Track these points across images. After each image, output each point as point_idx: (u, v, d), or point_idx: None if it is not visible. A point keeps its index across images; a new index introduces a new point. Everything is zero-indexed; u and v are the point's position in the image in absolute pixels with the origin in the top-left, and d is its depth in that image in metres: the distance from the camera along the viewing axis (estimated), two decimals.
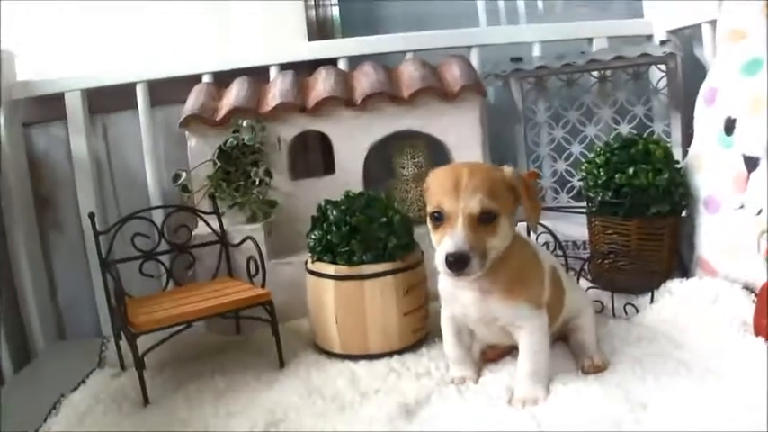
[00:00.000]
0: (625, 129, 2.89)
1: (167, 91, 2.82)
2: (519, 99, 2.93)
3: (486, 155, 2.76)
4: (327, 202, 2.23)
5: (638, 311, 2.23)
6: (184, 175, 2.51)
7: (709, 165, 2.32)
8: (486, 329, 1.89)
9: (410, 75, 2.67)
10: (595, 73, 2.92)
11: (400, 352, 2.16)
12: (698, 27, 2.85)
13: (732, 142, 2.21)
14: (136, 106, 2.74)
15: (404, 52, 2.93)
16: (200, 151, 2.58)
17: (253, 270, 2.28)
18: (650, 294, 2.28)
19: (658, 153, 2.31)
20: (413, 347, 2.19)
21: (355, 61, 2.89)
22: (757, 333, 1.92)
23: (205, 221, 2.44)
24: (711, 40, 2.74)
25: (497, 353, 2.05)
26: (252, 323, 2.33)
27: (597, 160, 2.36)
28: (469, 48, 2.96)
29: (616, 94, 2.92)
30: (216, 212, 2.47)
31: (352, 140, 2.66)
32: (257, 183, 2.52)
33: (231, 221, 2.54)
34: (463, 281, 1.72)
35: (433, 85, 2.62)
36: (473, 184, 1.66)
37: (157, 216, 2.61)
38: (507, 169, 1.73)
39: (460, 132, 2.69)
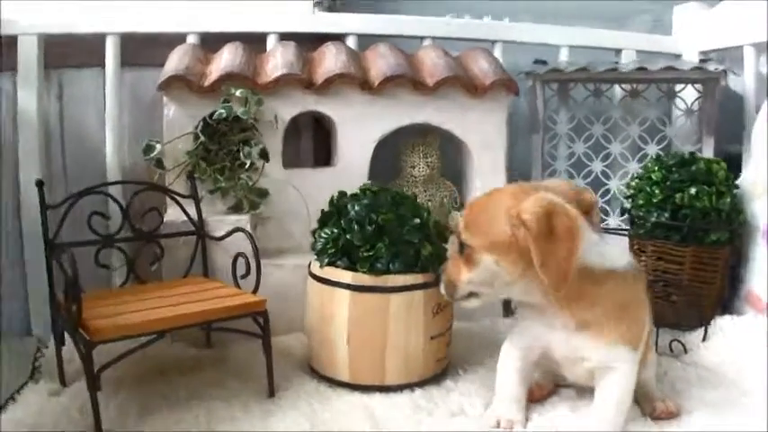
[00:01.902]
0: (653, 149, 2.61)
1: (141, 50, 2.34)
2: (541, 106, 2.61)
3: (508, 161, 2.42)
4: (344, 194, 1.82)
5: (686, 350, 1.94)
6: (159, 147, 2.04)
7: None
8: (571, 369, 1.55)
9: (433, 62, 2.30)
10: (627, 86, 2.63)
11: (420, 384, 1.76)
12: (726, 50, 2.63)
13: None
14: (102, 64, 2.29)
15: (421, 38, 2.56)
16: (180, 122, 2.11)
17: (242, 270, 1.83)
18: (703, 331, 1.99)
19: (721, 174, 2.02)
20: (435, 380, 1.80)
21: (365, 42, 2.49)
22: None
23: (181, 206, 1.98)
24: (755, 62, 2.51)
25: (544, 393, 1.71)
26: (224, 334, 1.89)
27: (653, 176, 2.05)
28: (493, 42, 2.62)
29: (648, 112, 2.63)
30: (194, 196, 2.01)
31: (362, 128, 2.26)
32: (247, 166, 2.07)
33: (209, 210, 2.09)
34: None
35: (462, 76, 2.26)
36: (469, 206, 1.52)
37: (120, 195, 2.12)
38: (535, 198, 1.37)
39: (485, 133, 2.34)
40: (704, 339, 1.97)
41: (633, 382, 1.51)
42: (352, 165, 2.26)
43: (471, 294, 1.53)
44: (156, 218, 1.97)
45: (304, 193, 2.21)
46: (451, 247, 1.55)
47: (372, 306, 1.69)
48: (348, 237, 1.70)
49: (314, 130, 2.50)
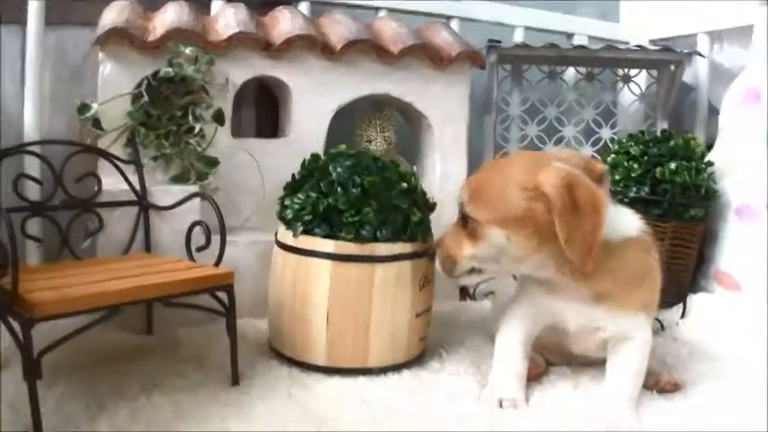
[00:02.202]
0: (606, 133, 2.57)
1: (67, 8, 2.05)
2: (495, 87, 2.51)
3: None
4: (318, 157, 1.63)
5: (663, 327, 1.87)
6: (95, 106, 1.77)
7: (747, 168, 2.04)
8: (583, 340, 1.45)
9: (395, 31, 2.15)
10: (582, 69, 2.58)
11: (405, 366, 1.59)
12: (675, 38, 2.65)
13: None
14: (22, 21, 1.97)
15: (376, 9, 2.41)
16: (117, 81, 1.85)
17: (198, 242, 1.59)
18: (682, 308, 1.93)
19: (698, 150, 1.99)
20: (419, 361, 1.64)
21: (316, 10, 2.32)
22: None
23: (121, 172, 1.72)
24: (708, 50, 2.53)
25: (540, 371, 1.58)
26: (165, 318, 1.71)
27: (631, 150, 1.98)
28: (449, 18, 2.51)
29: (603, 95, 2.59)
30: (136, 162, 1.76)
31: (319, 97, 2.07)
32: (196, 131, 1.84)
33: (149, 180, 1.83)
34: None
35: (428, 44, 2.12)
36: (472, 179, 1.40)
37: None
38: (551, 170, 1.26)
39: (448, 106, 2.20)
40: (683, 316, 1.91)
41: (649, 350, 1.41)
42: (307, 135, 2.06)
43: (473, 270, 1.40)
44: (88, 187, 1.70)
45: (253, 165, 1.99)
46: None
47: (356, 278, 1.51)
48: (329, 201, 1.51)
49: (259, 99, 2.29)
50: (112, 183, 1.74)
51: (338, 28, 2.08)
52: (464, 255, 1.37)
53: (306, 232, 1.54)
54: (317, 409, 1.36)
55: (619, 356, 1.40)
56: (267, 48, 1.97)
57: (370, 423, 1.31)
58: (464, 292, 2.26)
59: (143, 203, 1.74)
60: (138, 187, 1.75)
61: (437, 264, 1.44)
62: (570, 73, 2.63)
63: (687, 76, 2.52)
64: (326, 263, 1.50)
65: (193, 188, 1.81)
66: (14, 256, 1.21)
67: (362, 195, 1.51)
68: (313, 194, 1.54)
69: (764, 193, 1.96)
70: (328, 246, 1.51)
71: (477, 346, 1.72)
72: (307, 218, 1.53)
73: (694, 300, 1.98)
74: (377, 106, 2.30)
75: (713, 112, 2.50)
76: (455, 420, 1.34)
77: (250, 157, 1.99)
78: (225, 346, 1.63)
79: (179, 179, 1.87)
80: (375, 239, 1.50)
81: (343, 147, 1.67)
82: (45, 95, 2.05)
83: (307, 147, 1.99)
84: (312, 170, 1.60)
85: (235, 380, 1.48)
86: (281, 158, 1.98)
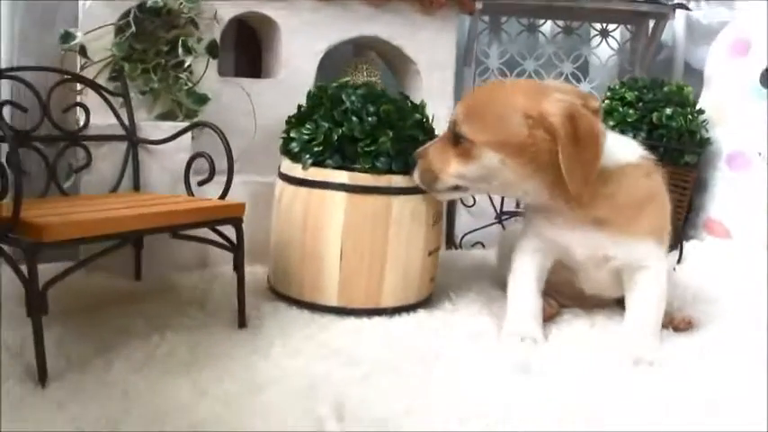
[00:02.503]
0: (585, 87, 2.57)
1: None
2: (475, 38, 2.47)
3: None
4: (325, 87, 1.55)
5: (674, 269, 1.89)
6: (80, 35, 1.64)
7: (737, 118, 2.08)
8: (594, 273, 1.43)
9: None
10: (561, 23, 2.58)
11: (418, 306, 1.55)
12: None
13: None
14: None
15: None
16: (100, 13, 1.71)
17: (202, 176, 1.50)
18: (678, 253, 1.95)
19: (691, 97, 2.01)
20: (430, 302, 1.59)
21: None
22: None
23: (110, 104, 1.60)
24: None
25: (554, 312, 1.56)
26: (150, 264, 1.65)
27: (626, 96, 1.98)
28: None
29: (582, 49, 2.59)
30: (125, 95, 1.64)
31: (308, 37, 1.99)
32: (186, 64, 1.73)
33: (136, 117, 1.71)
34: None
35: None
36: (468, 97, 1.39)
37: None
38: (552, 99, 1.25)
39: (436, 52, 2.16)
40: (679, 261, 1.93)
41: (666, 281, 1.41)
42: (296, 75, 1.98)
43: (456, 188, 1.39)
44: (69, 122, 1.57)
45: (241, 106, 1.90)
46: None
47: (372, 211, 1.44)
48: (344, 130, 1.44)
49: (239, 40, 2.18)
50: (98, 117, 1.62)
51: None
52: (450, 172, 1.35)
53: (316, 164, 1.47)
54: (343, 348, 1.30)
55: (637, 287, 1.39)
56: None
57: (404, 360, 1.26)
58: (451, 242, 2.23)
59: (132, 138, 1.63)
60: (126, 122, 1.63)
61: (415, 174, 1.42)
62: (548, 26, 2.61)
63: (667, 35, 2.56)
64: (341, 195, 1.44)
65: (183, 124, 1.70)
66: (19, 179, 1.09)
67: (378, 124, 1.44)
68: (325, 124, 1.46)
69: (753, 143, 2.00)
70: (342, 177, 1.44)
71: (485, 290, 1.69)
72: (317, 149, 1.46)
73: (687, 247, 2.00)
74: (359, 51, 2.23)
75: (688, 68, 2.54)
76: (483, 357, 1.30)
77: (237, 97, 1.90)
78: (222, 290, 1.58)
79: (166, 117, 1.76)
80: (390, 171, 1.44)
81: (346, 79, 1.60)
82: (15, 35, 1.89)
83: (296, 87, 1.91)
84: (318, 101, 1.52)
85: (242, 322, 1.41)
86: (269, 98, 1.92)
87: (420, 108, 1.55)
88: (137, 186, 1.65)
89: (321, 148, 1.46)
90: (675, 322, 1.51)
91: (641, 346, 1.34)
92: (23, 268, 1.08)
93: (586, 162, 1.23)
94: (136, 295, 1.54)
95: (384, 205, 1.45)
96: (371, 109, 1.45)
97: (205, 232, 1.38)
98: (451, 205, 2.19)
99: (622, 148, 1.37)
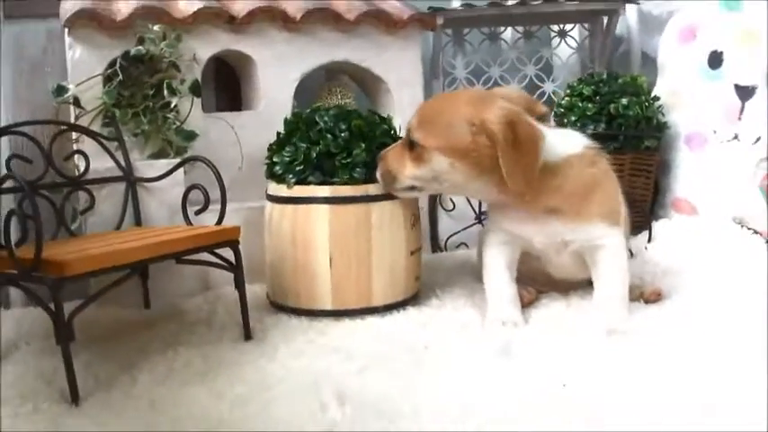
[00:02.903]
0: (550, 87, 2.72)
1: (24, 2, 2.06)
2: (440, 51, 2.63)
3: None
4: (300, 113, 1.70)
5: (632, 254, 2.00)
6: (72, 87, 1.79)
7: (690, 100, 2.23)
8: (556, 258, 1.56)
9: (346, 1, 2.23)
10: (520, 28, 2.73)
11: (407, 303, 1.68)
12: None
13: (720, 75, 2.17)
14: None
15: None
16: (87, 64, 1.87)
17: (198, 206, 1.64)
18: (648, 234, 2.08)
19: (645, 86, 2.17)
20: (417, 299, 1.73)
21: None
22: None
23: (107, 149, 1.75)
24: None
25: (532, 298, 1.70)
26: (158, 293, 1.79)
27: (584, 91, 2.13)
28: None
29: (542, 51, 2.74)
30: (119, 139, 1.79)
31: (282, 68, 2.14)
32: (173, 104, 1.88)
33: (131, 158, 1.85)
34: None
35: (382, 10, 2.21)
36: (423, 106, 1.56)
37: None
38: (494, 107, 1.39)
39: (403, 70, 2.30)
40: (649, 241, 2.06)
41: (625, 255, 1.54)
42: (274, 105, 2.12)
43: (413, 188, 1.54)
44: (69, 169, 1.72)
45: (226, 139, 2.04)
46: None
47: (354, 219, 1.59)
48: (320, 147, 1.58)
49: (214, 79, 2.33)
50: (96, 162, 1.76)
51: (294, 1, 2.15)
52: (406, 174, 1.51)
53: (299, 183, 1.61)
54: (341, 347, 1.43)
55: (598, 266, 1.51)
56: (231, 21, 2.02)
57: (396, 352, 1.39)
58: (436, 245, 2.37)
59: (130, 178, 1.77)
60: (123, 164, 1.77)
61: (378, 175, 1.57)
62: (509, 33, 2.77)
63: (617, 28, 2.70)
64: (324, 207, 1.58)
65: (176, 161, 1.84)
66: (39, 224, 1.22)
67: (351, 138, 1.59)
68: (303, 145, 1.60)
69: (708, 122, 2.15)
70: (324, 191, 1.58)
71: (469, 286, 1.81)
72: (299, 168, 1.60)
73: (657, 226, 2.13)
74: (332, 76, 2.38)
75: (645, 58, 2.69)
76: (468, 345, 1.42)
77: (222, 131, 2.04)
78: (225, 310, 1.70)
79: (158, 156, 1.90)
80: (367, 180, 1.59)
81: (318, 104, 1.75)
82: (7, 89, 2.05)
83: (275, 116, 2.04)
84: (295, 126, 1.66)
85: (247, 335, 1.53)
86: (251, 129, 2.05)
87: (387, 120, 1.69)
88: (138, 222, 1.79)
89: (302, 166, 1.60)
90: (646, 295, 1.65)
91: (612, 317, 1.48)
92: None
93: (526, 164, 1.37)
94: (147, 321, 1.67)
95: (364, 212, 1.59)
96: (343, 126, 1.60)
97: (206, 257, 1.53)
98: (433, 211, 2.33)
99: (565, 142, 1.50)
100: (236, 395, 1.22)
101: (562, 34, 2.74)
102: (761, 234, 1.97)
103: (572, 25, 2.73)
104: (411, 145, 1.48)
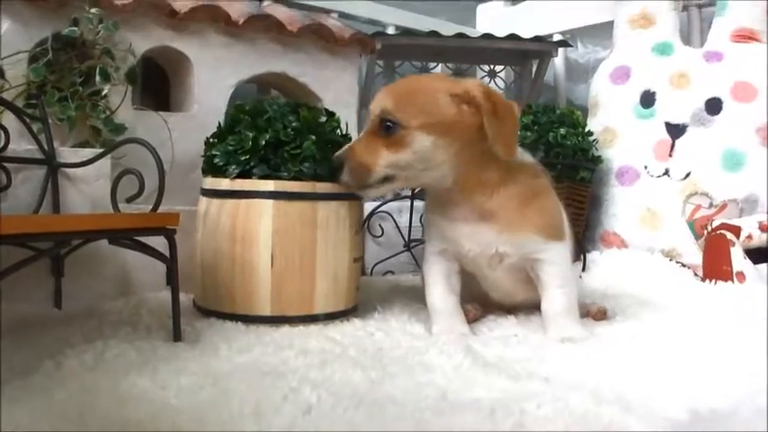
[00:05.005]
0: None
1: None
2: (371, 80, 2.64)
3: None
4: (242, 105, 1.60)
5: (580, 276, 2.07)
6: None
7: (623, 137, 2.35)
8: (491, 274, 1.53)
9: (287, 14, 2.20)
10: (451, 65, 2.79)
11: (350, 313, 1.61)
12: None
13: (652, 113, 2.31)
14: None
15: None
16: (14, 41, 1.73)
17: (129, 191, 1.50)
18: (582, 263, 2.13)
19: (581, 120, 2.26)
20: (360, 310, 1.66)
21: None
22: (709, 277, 1.98)
23: (29, 128, 1.60)
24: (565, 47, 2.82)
25: (478, 315, 1.66)
26: (70, 294, 1.62)
27: (523, 119, 2.17)
28: (328, 12, 2.59)
29: None
30: (44, 119, 1.64)
31: (219, 72, 2.06)
32: (104, 92, 1.76)
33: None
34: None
35: (324, 25, 2.19)
36: (393, 88, 1.46)
37: None
38: (469, 81, 1.43)
39: (340, 90, 2.29)
40: (583, 270, 2.10)
41: (569, 268, 1.54)
42: (208, 110, 2.03)
43: (386, 179, 1.43)
44: None
45: (155, 137, 1.90)
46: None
47: (299, 216, 1.50)
48: (269, 136, 1.50)
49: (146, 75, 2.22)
50: (15, 143, 1.60)
51: (236, 5, 2.10)
52: (382, 163, 1.40)
53: (242, 175, 1.51)
54: (293, 344, 1.34)
55: (541, 279, 1.50)
56: (171, 16, 1.94)
57: (361, 353, 1.31)
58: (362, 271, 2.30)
59: (53, 163, 1.62)
60: (46, 147, 1.62)
61: (344, 174, 1.43)
62: (440, 69, 2.81)
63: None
64: (268, 203, 1.49)
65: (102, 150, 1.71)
66: None
67: (301, 128, 1.52)
68: (249, 133, 1.51)
69: (639, 158, 2.25)
70: (269, 185, 1.49)
71: (410, 304, 1.74)
72: (243, 157, 1.50)
73: (589, 257, 2.20)
74: (263, 91, 2.33)
75: (570, 104, 2.80)
76: (422, 351, 1.33)
77: (152, 129, 1.92)
78: (150, 313, 1.56)
79: (82, 146, 1.76)
80: (315, 176, 1.52)
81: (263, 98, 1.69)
82: None
83: (208, 121, 1.93)
84: (237, 118, 1.57)
85: (177, 336, 1.39)
86: (181, 132, 1.96)
87: (336, 118, 1.64)
88: (57, 209, 1.63)
89: (248, 156, 1.50)
90: (592, 313, 1.66)
91: (563, 328, 1.46)
92: None
93: (507, 131, 1.39)
94: (63, 319, 1.49)
95: (310, 210, 1.51)
96: (291, 118, 1.53)
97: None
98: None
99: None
100: (181, 386, 1.08)
101: (492, 74, 2.81)
102: (689, 268, 2.04)
103: (502, 66, 2.81)
104: (386, 131, 1.40)
